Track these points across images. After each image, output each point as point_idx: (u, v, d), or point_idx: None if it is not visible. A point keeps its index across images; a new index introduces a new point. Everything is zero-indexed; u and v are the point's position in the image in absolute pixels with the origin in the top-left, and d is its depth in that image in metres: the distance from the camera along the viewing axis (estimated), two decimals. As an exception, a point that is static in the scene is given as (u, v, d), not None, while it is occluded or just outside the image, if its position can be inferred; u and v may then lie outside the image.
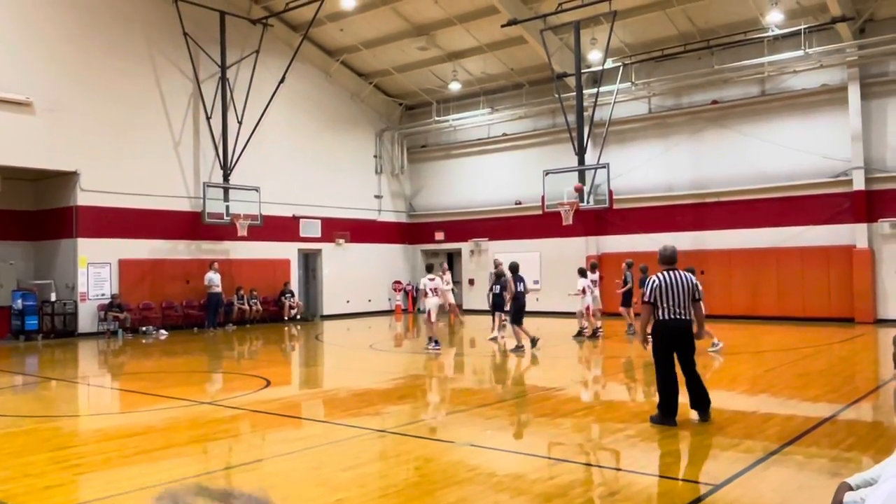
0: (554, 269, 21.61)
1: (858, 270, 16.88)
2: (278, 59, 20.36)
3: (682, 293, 6.79)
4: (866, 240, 16.90)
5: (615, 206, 19.02)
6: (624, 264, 15.42)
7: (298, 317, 21.01)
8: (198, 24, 19.07)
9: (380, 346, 14.70)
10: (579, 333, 14.82)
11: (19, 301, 16.35)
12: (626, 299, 14.93)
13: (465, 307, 22.56)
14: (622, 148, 20.57)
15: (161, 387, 9.61)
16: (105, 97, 17.49)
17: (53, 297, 16.79)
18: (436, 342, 12.86)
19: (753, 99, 18.63)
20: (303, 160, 21.99)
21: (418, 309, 18.14)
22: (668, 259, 6.99)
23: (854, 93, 16.88)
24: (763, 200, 18.42)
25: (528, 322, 13.29)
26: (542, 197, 18.74)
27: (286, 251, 21.45)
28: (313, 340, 16.49)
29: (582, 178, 17.87)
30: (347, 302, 23.12)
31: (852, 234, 17.13)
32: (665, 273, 6.91)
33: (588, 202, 17.78)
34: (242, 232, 19.02)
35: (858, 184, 16.90)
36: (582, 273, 15.17)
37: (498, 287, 14.17)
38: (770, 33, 17.38)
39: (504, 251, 23.08)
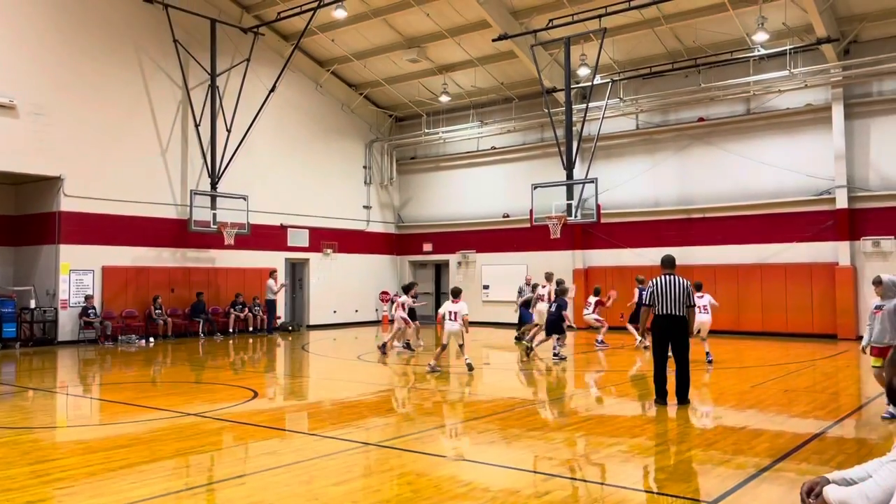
0: (540, 282, 21.60)
1: (841, 287, 17.11)
2: (269, 68, 20.33)
3: (676, 295, 8.24)
4: (849, 257, 17.15)
5: (602, 221, 19.16)
6: (636, 279, 15.61)
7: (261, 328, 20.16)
8: (188, 31, 19.00)
9: (368, 358, 14.59)
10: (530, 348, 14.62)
11: (-2, 308, 16.03)
12: (635, 316, 15.02)
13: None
14: (610, 163, 20.75)
15: (145, 397, 9.44)
16: (92, 102, 17.31)
17: (33, 304, 16.48)
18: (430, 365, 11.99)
19: (739, 117, 18.91)
20: (292, 169, 21.91)
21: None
22: (667, 264, 8.55)
23: (838, 113, 17.20)
24: (748, 217, 18.66)
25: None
26: (531, 210, 18.83)
27: (273, 260, 21.29)
28: (299, 351, 16.32)
29: (570, 193, 17.99)
30: (334, 312, 22.98)
31: (835, 251, 17.38)
32: (663, 277, 8.39)
33: (576, 216, 17.89)
34: (229, 240, 18.86)
35: (841, 202, 17.17)
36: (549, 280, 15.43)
37: (554, 306, 13.57)
38: (756, 53, 17.69)
39: (491, 263, 23.18)
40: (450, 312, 11.36)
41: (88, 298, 16.89)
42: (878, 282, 7.76)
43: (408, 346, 14.40)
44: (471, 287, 22.41)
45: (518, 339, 16.57)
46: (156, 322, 17.90)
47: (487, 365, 13.57)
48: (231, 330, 19.51)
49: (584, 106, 19.24)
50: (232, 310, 19.66)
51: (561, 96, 19.74)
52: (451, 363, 13.37)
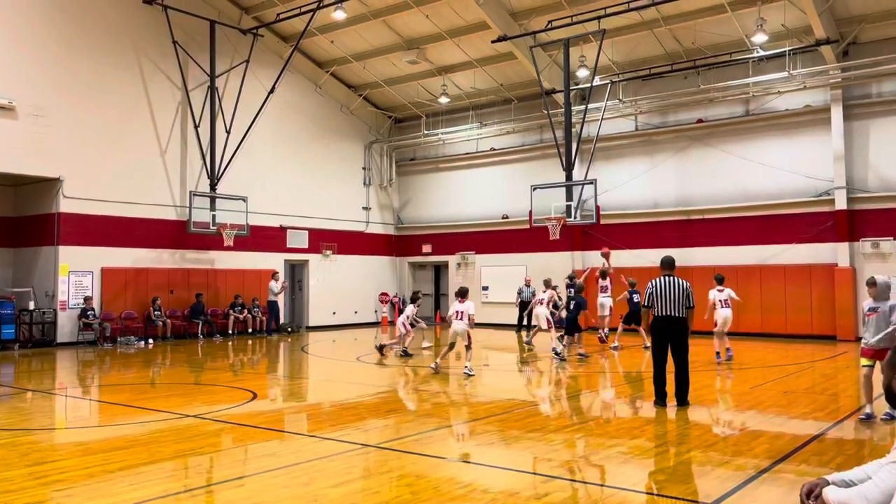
0: (540, 284, 21.62)
1: (840, 289, 17.11)
2: (268, 70, 20.34)
3: (675, 296, 8.26)
4: (848, 258, 17.16)
5: (601, 222, 19.16)
6: (627, 282, 15.71)
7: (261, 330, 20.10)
8: (187, 32, 19.00)
9: (367, 359, 14.58)
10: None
11: (-4, 309, 16.01)
12: (629, 317, 15.12)
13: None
14: (609, 164, 20.76)
15: (144, 399, 9.43)
16: (91, 103, 17.31)
17: (32, 306, 16.46)
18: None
19: (738, 118, 18.92)
20: (291, 171, 21.91)
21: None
22: (667, 265, 8.58)
23: (837, 114, 17.21)
24: (747, 218, 18.67)
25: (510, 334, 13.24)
26: (530, 211, 18.82)
27: (273, 262, 21.28)
28: (299, 352, 16.31)
29: (569, 194, 17.99)
30: (334, 313, 22.97)
31: (834, 252, 17.39)
32: (661, 278, 8.40)
33: (575, 217, 17.89)
34: (228, 242, 18.85)
35: (840, 203, 17.18)
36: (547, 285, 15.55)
37: (573, 304, 13.73)
38: (755, 55, 17.70)
39: (491, 265, 23.18)
40: (457, 312, 11.45)
41: (87, 300, 16.88)
42: (871, 283, 7.63)
43: (405, 353, 14.40)
44: (470, 288, 22.36)
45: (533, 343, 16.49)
46: (155, 323, 17.89)
47: (486, 366, 13.56)
48: (230, 331, 19.49)
49: (583, 107, 19.25)
50: (231, 311, 19.65)
51: (560, 97, 19.75)
52: (451, 364, 13.37)
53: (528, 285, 19.21)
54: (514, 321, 19.98)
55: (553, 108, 19.89)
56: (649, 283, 8.54)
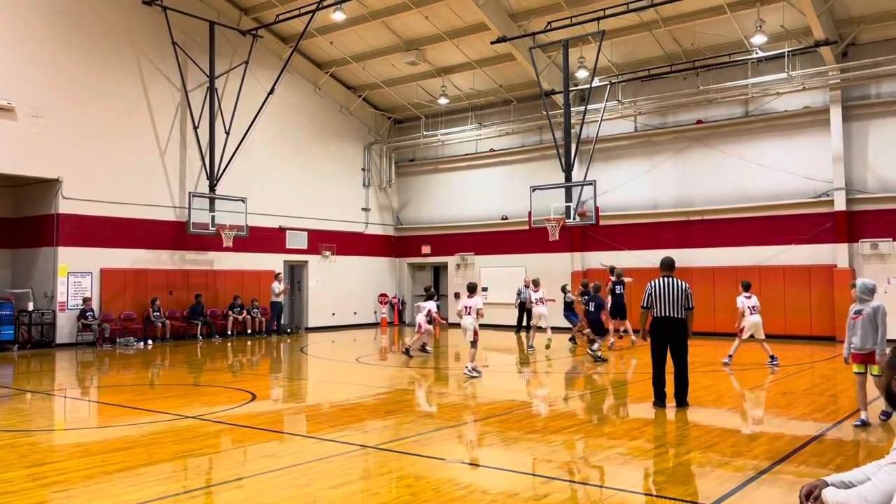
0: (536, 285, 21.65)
1: (839, 289, 17.10)
2: (267, 70, 20.34)
3: (673, 297, 8.26)
4: (847, 259, 17.17)
5: (601, 223, 19.17)
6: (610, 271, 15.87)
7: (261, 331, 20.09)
8: (186, 33, 19.00)
9: (366, 360, 14.58)
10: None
11: (-5, 310, 15.99)
12: (614, 311, 15.15)
13: (449, 320, 22.48)
14: (608, 165, 20.77)
15: (143, 400, 9.43)
16: (90, 104, 17.30)
17: (31, 307, 16.44)
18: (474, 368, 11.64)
19: (737, 119, 18.93)
20: (290, 172, 21.91)
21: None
22: (666, 266, 8.59)
23: (836, 115, 17.23)
24: (746, 219, 18.68)
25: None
26: (529, 212, 18.81)
27: (272, 263, 21.28)
28: (298, 353, 16.30)
29: (569, 195, 17.99)
30: (333, 314, 22.96)
31: (833, 253, 17.40)
32: (660, 279, 8.41)
33: (574, 218, 17.90)
34: (228, 243, 18.84)
35: (840, 204, 17.20)
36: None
37: (593, 305, 13.70)
38: (754, 56, 17.71)
39: (490, 266, 23.19)
40: (465, 307, 11.50)
41: (87, 301, 16.87)
42: (853, 286, 7.53)
43: (423, 349, 14.53)
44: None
45: (572, 339, 16.77)
46: (154, 324, 17.88)
47: (486, 367, 13.54)
48: (229, 332, 19.49)
49: (582, 108, 19.25)
50: (230, 312, 19.64)
51: (559, 98, 19.75)
52: (451, 365, 13.37)
53: (527, 286, 19.25)
54: (514, 322, 19.98)
55: (552, 109, 19.89)
56: (648, 284, 8.52)
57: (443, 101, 22.53)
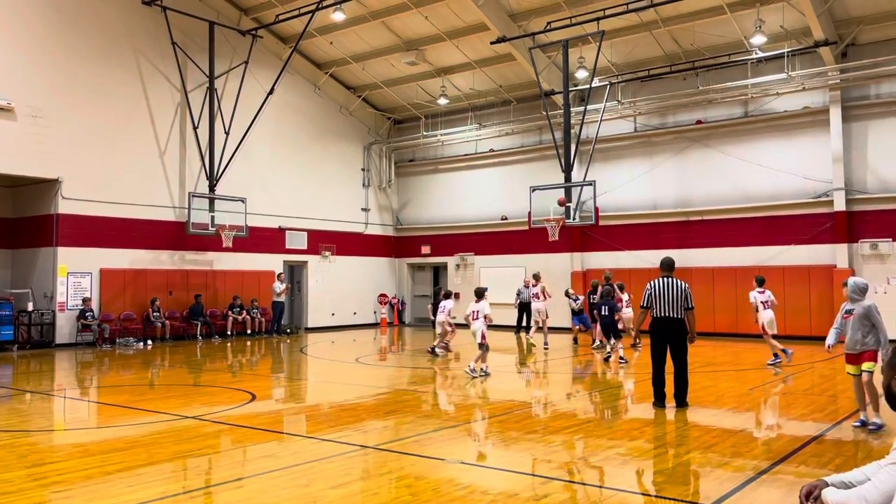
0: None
1: (839, 290, 16.94)
2: (267, 71, 20.34)
3: (672, 297, 8.27)
4: (847, 260, 17.17)
5: (601, 223, 19.17)
6: (603, 276, 15.85)
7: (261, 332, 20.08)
8: (186, 33, 19.00)
9: (365, 360, 14.58)
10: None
11: (-5, 310, 15.99)
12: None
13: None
14: (608, 165, 20.77)
15: (143, 400, 9.42)
16: (90, 104, 17.30)
17: (31, 307, 16.44)
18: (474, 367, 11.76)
19: (737, 120, 18.94)
20: (290, 172, 21.91)
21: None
22: (666, 266, 8.60)
23: (836, 115, 17.23)
24: (746, 220, 18.68)
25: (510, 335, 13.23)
26: (529, 213, 18.81)
27: (271, 263, 21.28)
28: (298, 353, 16.30)
29: (568, 195, 18.00)
30: (332, 314, 22.96)
31: (833, 253, 17.41)
32: (659, 280, 8.42)
33: (574, 219, 17.90)
34: (227, 243, 18.84)
35: (839, 205, 17.20)
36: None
37: (606, 308, 13.64)
38: (754, 56, 17.72)
39: (490, 266, 23.19)
40: (473, 312, 11.60)
41: (86, 301, 16.86)
42: (844, 284, 7.37)
43: (446, 347, 14.62)
44: (469, 290, 22.39)
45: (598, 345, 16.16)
46: (154, 324, 17.87)
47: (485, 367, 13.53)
48: (229, 332, 19.49)
49: (582, 108, 19.25)
50: (230, 312, 19.64)
51: (559, 99, 19.76)
52: (450, 365, 13.37)
53: (527, 286, 19.26)
54: (514, 322, 19.97)
55: (552, 110, 19.90)
56: (648, 284, 8.51)
57: (442, 101, 22.53)
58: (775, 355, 12.55)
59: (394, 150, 25.24)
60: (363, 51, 21.72)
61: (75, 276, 16.95)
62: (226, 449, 6.75)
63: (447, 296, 14.73)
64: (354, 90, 23.91)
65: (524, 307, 18.66)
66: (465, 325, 12.32)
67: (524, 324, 18.82)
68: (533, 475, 5.73)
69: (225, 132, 19.26)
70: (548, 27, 18.02)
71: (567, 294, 16.54)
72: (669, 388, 8.50)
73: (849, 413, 8.23)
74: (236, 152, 19.32)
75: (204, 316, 19.04)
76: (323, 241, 22.88)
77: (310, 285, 22.59)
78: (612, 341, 13.38)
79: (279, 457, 6.22)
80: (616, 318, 13.67)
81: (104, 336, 16.87)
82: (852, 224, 17.19)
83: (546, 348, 15.66)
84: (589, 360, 14.03)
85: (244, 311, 19.87)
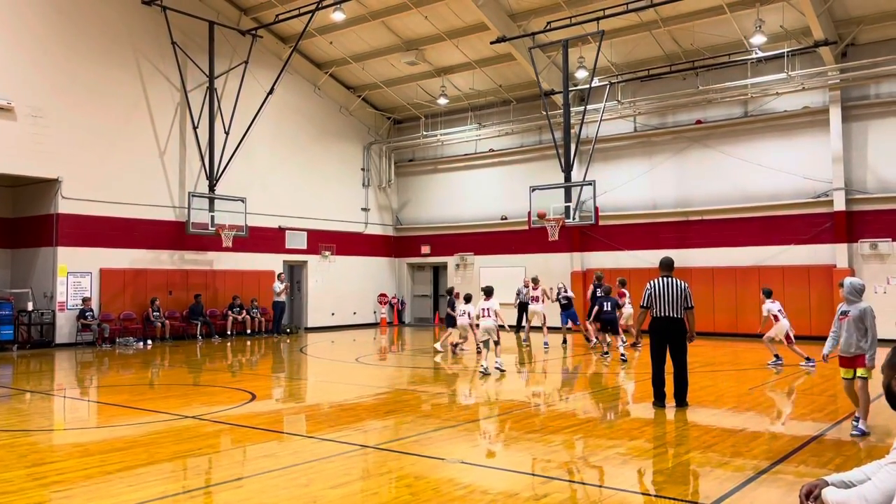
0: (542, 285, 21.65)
1: (839, 290, 17.10)
2: (267, 70, 20.34)
3: (672, 297, 8.27)
4: (847, 259, 17.18)
5: (600, 223, 19.18)
6: (594, 276, 15.94)
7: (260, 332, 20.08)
8: (185, 33, 19.00)
9: (365, 360, 14.59)
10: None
11: (-5, 310, 15.99)
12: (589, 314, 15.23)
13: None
14: (608, 165, 20.78)
15: (142, 400, 9.42)
16: (90, 104, 17.29)
17: (30, 307, 16.44)
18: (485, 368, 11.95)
19: (737, 120, 18.94)
20: (290, 172, 21.91)
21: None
22: (665, 266, 8.60)
23: (835, 115, 17.24)
24: (745, 219, 18.69)
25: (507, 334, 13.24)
26: (529, 213, 18.81)
27: (271, 263, 21.28)
28: (297, 353, 16.30)
29: (568, 195, 18.00)
30: (332, 314, 22.96)
31: (833, 253, 17.41)
32: (659, 279, 8.42)
33: (574, 218, 17.90)
34: (227, 243, 18.84)
35: (839, 204, 17.21)
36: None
37: (609, 304, 13.79)
38: (754, 56, 17.72)
39: (490, 266, 23.19)
40: (483, 310, 11.73)
41: (86, 301, 16.86)
42: (841, 285, 7.19)
43: (456, 346, 14.77)
44: (469, 289, 22.39)
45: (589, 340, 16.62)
46: (153, 324, 17.87)
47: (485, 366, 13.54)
48: (229, 332, 19.49)
49: (582, 108, 19.24)
50: (230, 312, 19.64)
51: (559, 99, 19.76)
52: (450, 365, 13.37)
53: (526, 286, 19.26)
54: (514, 322, 19.95)
55: (552, 110, 19.90)
56: (648, 284, 8.51)
57: (442, 101, 22.53)
58: (776, 356, 12.55)
59: (394, 149, 25.23)
60: (363, 51, 21.72)
61: (75, 275, 16.94)
62: (226, 448, 6.75)
63: (468, 299, 14.72)
64: (354, 90, 23.91)
65: (523, 307, 18.67)
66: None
67: (523, 323, 18.83)
68: (533, 475, 5.73)
69: (225, 132, 19.26)
70: (548, 27, 18.03)
71: (559, 293, 16.67)
72: (669, 388, 8.50)
73: (848, 413, 8.23)
74: (236, 152, 19.32)
75: (204, 316, 19.04)
76: (323, 241, 22.88)
77: (310, 285, 22.59)
78: (611, 337, 13.50)
79: (279, 456, 6.22)
80: (618, 313, 13.83)
81: (104, 336, 16.87)
82: (852, 224, 17.20)
83: (546, 348, 15.68)
84: (589, 359, 14.04)
85: (244, 311, 19.87)
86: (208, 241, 19.18)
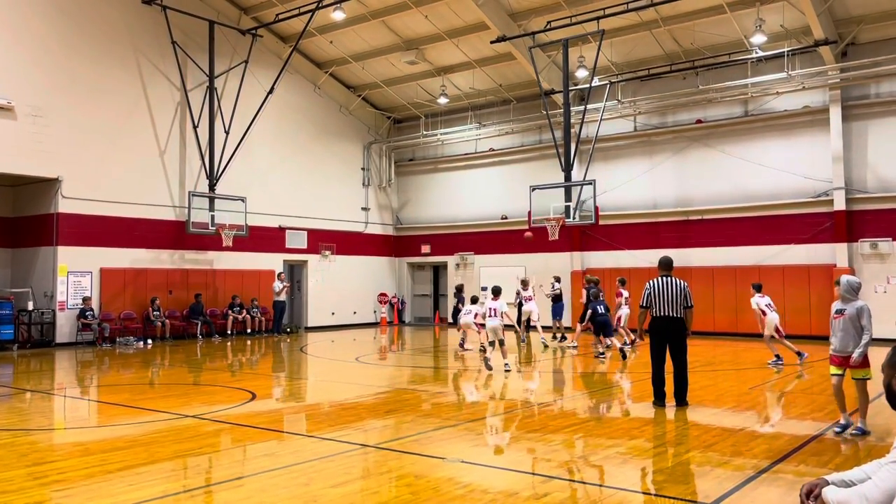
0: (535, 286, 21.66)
1: (835, 288, 17.10)
2: (267, 70, 20.34)
3: (672, 297, 8.27)
4: (847, 259, 17.18)
5: (600, 223, 19.19)
6: (586, 279, 16.02)
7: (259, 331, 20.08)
8: (186, 32, 19.00)
9: (365, 359, 14.59)
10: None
11: (-5, 310, 15.99)
12: (582, 316, 15.21)
13: (449, 319, 22.47)
14: (608, 165, 20.78)
15: (143, 399, 9.43)
16: (90, 104, 17.29)
17: (31, 306, 16.44)
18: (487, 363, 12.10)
19: (737, 119, 18.94)
20: (290, 171, 21.91)
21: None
22: (664, 266, 8.59)
23: (836, 115, 17.24)
24: (745, 219, 18.69)
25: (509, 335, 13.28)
26: (529, 212, 18.82)
27: (271, 262, 21.29)
28: (298, 352, 16.30)
29: (568, 194, 18.01)
30: (332, 314, 22.96)
31: (833, 253, 17.41)
32: (658, 279, 8.42)
33: (574, 218, 17.91)
34: (227, 242, 18.85)
35: (839, 204, 17.21)
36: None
37: (602, 307, 13.86)
38: (754, 55, 17.72)
39: (490, 265, 23.19)
40: (491, 310, 11.83)
41: (86, 300, 16.87)
42: (836, 283, 7.09)
43: (461, 345, 15.05)
44: (469, 289, 22.40)
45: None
46: (154, 324, 17.87)
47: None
48: (229, 332, 19.50)
49: (582, 108, 19.25)
50: (230, 311, 19.64)
51: (559, 98, 19.76)
52: (449, 364, 13.37)
53: (525, 287, 19.27)
54: (513, 322, 19.98)
55: (552, 109, 19.90)
56: (647, 284, 8.52)
57: (442, 100, 22.53)
58: (777, 356, 12.55)
59: (394, 149, 25.23)
60: (363, 50, 21.72)
61: (75, 275, 16.95)
62: (226, 448, 6.75)
63: (474, 300, 14.76)
64: (354, 89, 23.91)
65: (520, 308, 18.75)
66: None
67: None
68: (533, 474, 5.73)
69: (225, 131, 19.26)
70: (548, 26, 18.03)
71: (552, 286, 16.96)
72: (669, 387, 8.51)
73: (849, 412, 8.22)
74: (236, 151, 19.32)
75: (204, 315, 19.04)
76: (323, 241, 22.88)
77: (310, 284, 22.59)
78: (608, 340, 13.57)
79: (279, 456, 6.22)
80: (611, 315, 13.97)
81: (104, 335, 16.87)
82: (852, 223, 17.20)
83: (545, 347, 15.73)
84: (588, 359, 14.04)
85: (244, 311, 19.87)
86: (208, 240, 19.18)
